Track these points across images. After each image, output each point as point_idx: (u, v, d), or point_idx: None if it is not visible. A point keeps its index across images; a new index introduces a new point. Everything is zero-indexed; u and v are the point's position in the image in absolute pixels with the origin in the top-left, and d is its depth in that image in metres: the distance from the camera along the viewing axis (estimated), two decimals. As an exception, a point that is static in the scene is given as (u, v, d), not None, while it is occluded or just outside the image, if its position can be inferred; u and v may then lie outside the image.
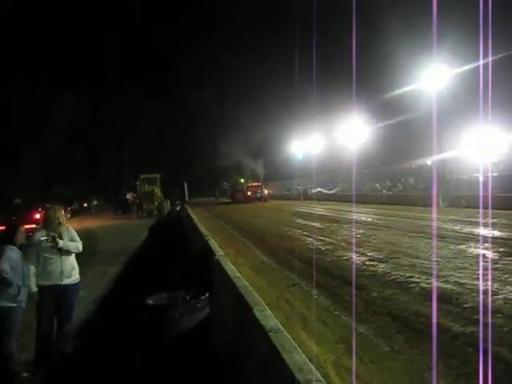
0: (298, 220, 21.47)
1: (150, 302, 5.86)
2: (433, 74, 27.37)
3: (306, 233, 15.68)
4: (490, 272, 7.81)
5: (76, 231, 5.89)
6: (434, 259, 9.32)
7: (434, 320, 5.38)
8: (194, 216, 18.59)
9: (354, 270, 8.43)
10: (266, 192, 49.37)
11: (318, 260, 10.13)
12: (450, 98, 28.57)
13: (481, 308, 5.69)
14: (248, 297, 4.28)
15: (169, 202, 36.89)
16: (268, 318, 3.53)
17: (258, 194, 47.70)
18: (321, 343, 5.22)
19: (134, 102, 66.69)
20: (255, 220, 23.48)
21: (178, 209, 31.83)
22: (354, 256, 10.34)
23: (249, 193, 47.87)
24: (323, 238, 13.71)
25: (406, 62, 29.93)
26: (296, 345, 2.97)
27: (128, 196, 43.60)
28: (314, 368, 2.65)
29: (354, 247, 11.37)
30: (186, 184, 44.00)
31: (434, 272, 8.08)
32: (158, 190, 39.00)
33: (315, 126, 46.65)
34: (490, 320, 5.37)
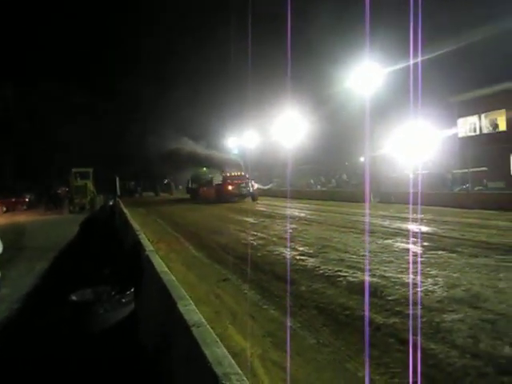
0: (232, 215, 21.53)
1: (74, 298, 5.74)
2: (367, 73, 28.04)
3: (239, 228, 15.76)
4: (411, 266, 8.13)
5: (5, 226, 5.69)
6: (362, 253, 9.60)
7: (367, 314, 5.55)
8: (126, 211, 18.31)
9: (287, 265, 8.57)
10: (255, 186, 34.12)
11: (250, 255, 10.21)
12: (384, 97, 29.36)
13: (412, 301, 5.91)
14: (173, 291, 4.29)
15: (102, 197, 36.50)
16: (192, 312, 3.55)
17: (243, 189, 32.78)
18: (248, 337, 5.26)
19: (66, 94, 64.52)
20: (189, 214, 23.41)
21: (110, 203, 31.32)
22: (285, 251, 10.49)
23: (230, 187, 32.59)
24: (256, 233, 13.81)
25: (342, 60, 30.53)
26: (218, 339, 3.00)
27: (60, 190, 42.47)
28: (233, 361, 2.69)
29: (285, 242, 11.53)
30: (117, 179, 43.31)
31: (361, 266, 8.34)
32: (90, 185, 38.06)
33: (251, 121, 46.80)
34: (410, 311, 5.60)
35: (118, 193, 41.42)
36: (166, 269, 5.83)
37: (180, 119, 55.36)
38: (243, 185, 33.05)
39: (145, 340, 5.12)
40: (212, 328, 5.20)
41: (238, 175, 35.18)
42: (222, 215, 21.72)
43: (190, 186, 45.95)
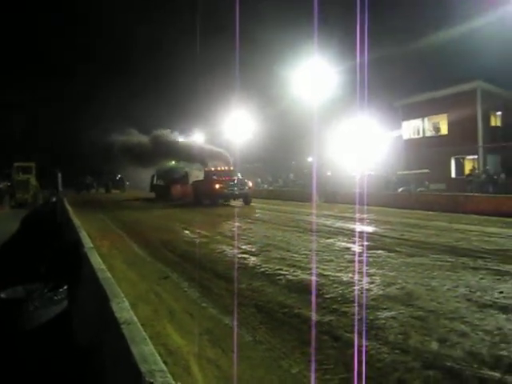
0: (177, 213, 21.41)
1: (3, 295, 5.59)
2: (315, 74, 28.40)
3: (183, 225, 15.68)
4: (350, 264, 8.30)
5: None
6: (303, 252, 9.73)
7: (313, 314, 5.62)
8: (69, 207, 17.92)
9: (233, 264, 8.58)
10: (250, 184, 26.26)
11: (192, 253, 10.18)
12: (333, 98, 29.81)
13: (358, 299, 6.03)
14: (108, 289, 4.24)
15: (46, 192, 35.58)
16: (124, 310, 3.52)
17: (233, 189, 25.17)
18: (186, 335, 5.25)
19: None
20: (132, 213, 23.09)
21: (53, 199, 30.58)
22: (227, 249, 10.51)
23: (216, 185, 24.79)
24: (199, 231, 13.77)
25: (292, 60, 30.82)
26: (146, 336, 2.99)
27: (1, 185, 41.09)
28: (159, 359, 2.68)
29: (228, 240, 11.56)
30: (59, 174, 41.83)
31: (302, 265, 8.45)
32: (33, 179, 37.03)
33: (199, 120, 46.54)
34: (345, 309, 5.72)
35: (60, 188, 39.87)
36: (104, 266, 5.76)
37: (128, 113, 53.10)
38: (233, 183, 25.27)
39: (80, 338, 5.04)
40: (150, 326, 5.21)
41: (225, 170, 28.05)
42: (166, 213, 21.51)
43: (154, 182, 37.91)
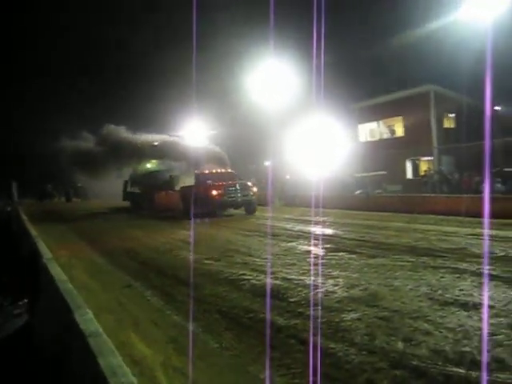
0: (136, 220, 21.15)
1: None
2: (273, 75, 28.50)
3: (143, 232, 15.49)
4: (313, 267, 8.34)
5: None
6: (265, 256, 9.73)
7: (271, 317, 5.60)
8: (24, 217, 17.47)
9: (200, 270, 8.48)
10: (254, 189, 22.13)
11: (154, 260, 10.07)
12: (291, 101, 29.93)
13: (326, 302, 6.03)
14: (71, 300, 4.12)
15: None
16: (88, 321, 3.43)
17: (235, 195, 20.88)
18: (151, 344, 5.16)
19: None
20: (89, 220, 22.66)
21: (8, 209, 29.76)
22: (189, 255, 10.41)
23: (214, 192, 20.44)
24: (161, 238, 13.63)
25: (249, 63, 30.79)
26: (114, 348, 2.91)
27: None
28: (128, 371, 2.61)
29: (190, 246, 11.46)
30: (14, 184, 40.51)
31: (265, 269, 8.44)
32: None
33: (158, 126, 45.89)
34: (311, 312, 5.74)
35: (16, 198, 38.56)
36: (65, 277, 5.61)
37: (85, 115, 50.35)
38: (234, 188, 20.88)
39: (43, 353, 4.89)
40: (114, 336, 5.08)
41: (223, 173, 23.19)
42: (124, 219, 21.17)
43: (128, 189, 31.74)
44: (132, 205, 30.19)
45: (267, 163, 37.86)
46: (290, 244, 11.27)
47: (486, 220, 12.16)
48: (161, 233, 15.12)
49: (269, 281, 7.49)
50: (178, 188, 25.77)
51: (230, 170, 24.34)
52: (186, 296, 7.00)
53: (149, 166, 31.59)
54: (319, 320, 5.44)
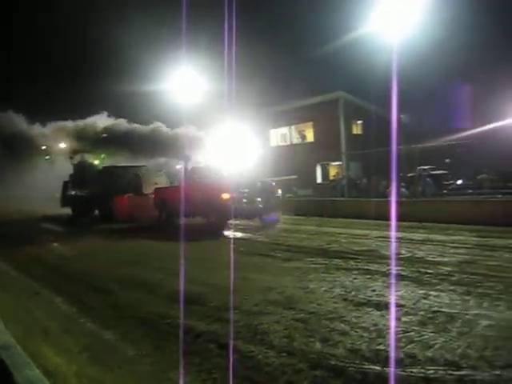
0: (45, 224, 20.29)
1: None
2: (186, 81, 28.29)
3: (51, 237, 14.87)
4: (231, 271, 8.34)
5: None
6: (181, 261, 9.61)
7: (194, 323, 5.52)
8: None
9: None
10: (279, 192, 19.24)
11: (63, 266, 9.69)
12: (203, 107, 29.83)
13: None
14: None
15: None
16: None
17: (257, 200, 15.16)
18: (64, 354, 4.94)
19: None
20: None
21: None
22: (102, 260, 10.13)
23: (225, 195, 14.41)
24: (69, 244, 13.17)
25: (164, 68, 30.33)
26: (30, 360, 2.76)
27: None
28: (47, 383, 2.48)
29: (101, 252, 11.16)
30: None
31: (182, 274, 8.33)
32: None
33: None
34: (230, 316, 5.72)
35: None
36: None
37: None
38: (254, 189, 15.33)
39: None
40: (23, 347, 4.81)
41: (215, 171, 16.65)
42: (31, 221, 20.22)
43: (68, 192, 24.51)
44: (74, 213, 23.56)
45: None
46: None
47: (393, 223, 12.71)
48: (62, 236, 14.51)
49: (186, 286, 7.41)
50: (147, 190, 20.19)
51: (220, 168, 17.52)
52: (101, 302, 6.81)
53: (97, 162, 25.05)
54: (238, 324, 5.46)
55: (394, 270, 8.03)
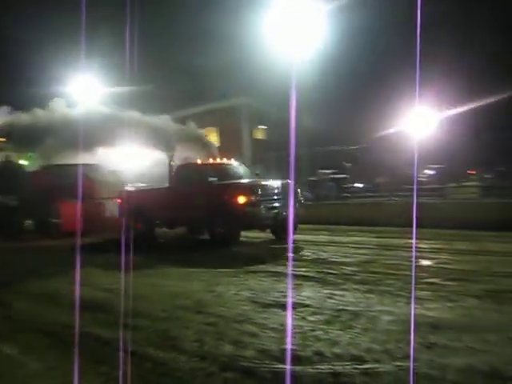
0: None
1: None
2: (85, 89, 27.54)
3: None
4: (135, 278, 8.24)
5: None
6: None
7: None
8: None
9: None
10: (301, 200, 13.84)
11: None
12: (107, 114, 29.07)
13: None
14: None
15: None
16: None
17: (277, 205, 12.31)
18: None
19: None
20: None
21: None
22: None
23: (242, 198, 11.81)
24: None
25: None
26: None
27: None
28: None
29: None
30: None
31: (88, 281, 8.09)
32: None
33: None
34: (138, 323, 5.65)
35: None
36: None
37: None
38: (276, 192, 12.75)
39: None
40: None
41: (229, 166, 15.16)
42: None
43: None
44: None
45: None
46: (110, 254, 10.91)
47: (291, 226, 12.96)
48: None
49: (92, 293, 7.23)
50: (104, 195, 16.96)
51: (233, 162, 15.64)
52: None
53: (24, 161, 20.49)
54: (148, 330, 5.41)
55: (300, 271, 8.27)
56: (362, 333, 5.00)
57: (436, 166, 24.02)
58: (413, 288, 6.29)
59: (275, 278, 7.83)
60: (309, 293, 6.78)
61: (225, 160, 15.23)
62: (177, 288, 7.46)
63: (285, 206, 11.95)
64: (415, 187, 14.00)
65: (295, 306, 6.10)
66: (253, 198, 11.76)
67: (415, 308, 5.69)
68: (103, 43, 25.91)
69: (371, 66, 30.59)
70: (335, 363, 4.20)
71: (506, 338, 4.68)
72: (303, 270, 8.42)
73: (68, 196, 15.54)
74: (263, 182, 13.03)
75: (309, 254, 10.11)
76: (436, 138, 20.71)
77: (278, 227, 12.39)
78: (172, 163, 15.94)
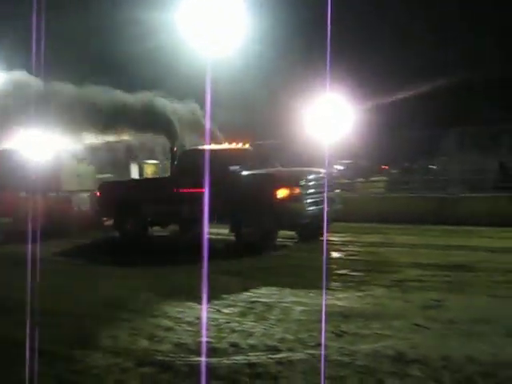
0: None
1: None
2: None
3: None
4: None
5: None
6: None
7: None
8: None
9: None
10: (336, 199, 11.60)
11: None
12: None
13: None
14: None
15: None
16: None
17: (319, 199, 10.20)
18: None
19: None
20: None
21: None
22: None
23: (283, 191, 9.90)
24: None
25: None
26: None
27: None
28: None
29: None
30: None
31: None
32: None
33: None
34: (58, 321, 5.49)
35: None
36: None
37: None
38: (317, 183, 10.62)
39: None
40: None
41: (247, 151, 12.59)
42: None
43: None
44: None
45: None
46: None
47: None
48: None
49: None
50: (69, 186, 14.48)
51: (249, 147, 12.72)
52: None
53: None
54: (62, 328, 5.29)
55: (219, 266, 8.31)
56: (275, 323, 5.17)
57: (346, 162, 24.70)
58: (324, 279, 6.53)
59: (191, 272, 7.81)
60: (225, 286, 6.87)
61: (240, 145, 12.34)
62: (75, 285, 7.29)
63: (323, 200, 10.10)
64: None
65: (210, 299, 6.15)
66: (296, 192, 9.98)
67: (326, 298, 5.93)
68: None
69: (285, 62, 30.93)
70: (250, 354, 4.30)
71: (410, 324, 5.00)
72: (223, 264, 8.46)
73: (28, 187, 12.85)
74: (307, 172, 11.04)
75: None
76: (351, 134, 21.28)
77: (314, 225, 10.53)
78: (174, 149, 14.16)
